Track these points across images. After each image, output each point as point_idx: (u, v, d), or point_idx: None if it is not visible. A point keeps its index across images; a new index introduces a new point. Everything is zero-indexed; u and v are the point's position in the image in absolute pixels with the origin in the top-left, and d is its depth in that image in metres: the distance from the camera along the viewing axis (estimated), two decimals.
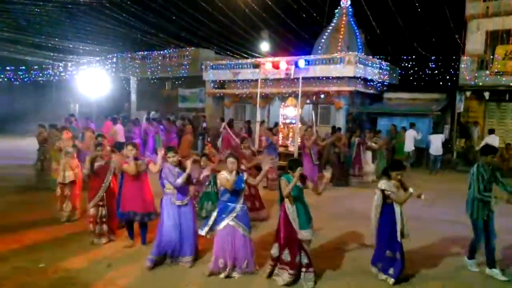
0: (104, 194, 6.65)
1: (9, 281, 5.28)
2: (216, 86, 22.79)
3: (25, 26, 22.74)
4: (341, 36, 21.06)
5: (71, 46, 25.88)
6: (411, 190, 5.23)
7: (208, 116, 21.57)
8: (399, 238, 5.25)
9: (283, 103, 14.71)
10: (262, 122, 16.16)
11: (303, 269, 5.23)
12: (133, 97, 27.36)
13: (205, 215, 7.33)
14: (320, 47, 21.55)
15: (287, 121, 13.76)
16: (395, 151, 16.28)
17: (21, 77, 31.17)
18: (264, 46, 27.30)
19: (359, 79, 18.56)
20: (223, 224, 5.42)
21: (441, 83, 20.06)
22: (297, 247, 5.20)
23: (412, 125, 15.34)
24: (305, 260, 5.22)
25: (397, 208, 5.28)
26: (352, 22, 21.56)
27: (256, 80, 16.26)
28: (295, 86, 16.57)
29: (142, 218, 6.35)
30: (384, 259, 5.42)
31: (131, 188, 6.30)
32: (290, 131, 13.58)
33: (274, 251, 5.33)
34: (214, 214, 5.56)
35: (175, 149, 6.15)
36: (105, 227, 6.66)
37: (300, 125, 13.51)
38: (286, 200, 5.21)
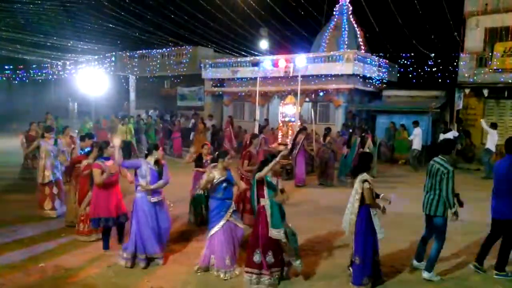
0: None
1: (9, 281, 5.27)
2: (215, 84, 22.76)
3: (23, 25, 22.70)
4: (340, 34, 21.03)
5: (69, 44, 25.83)
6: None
7: (206, 114, 21.56)
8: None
9: (282, 101, 14.71)
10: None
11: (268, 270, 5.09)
12: (132, 95, 27.32)
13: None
14: (319, 45, 21.53)
15: (286, 119, 13.76)
16: (394, 149, 16.33)
17: (20, 76, 31.15)
18: (263, 44, 27.25)
19: (358, 77, 18.56)
20: (223, 221, 5.46)
21: (440, 80, 20.09)
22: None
23: (415, 123, 14.99)
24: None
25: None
26: (351, 20, 21.53)
27: (255, 78, 16.25)
28: (294, 84, 16.57)
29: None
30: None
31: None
32: (289, 129, 13.58)
33: (257, 257, 5.10)
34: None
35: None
36: None
37: (299, 123, 13.55)
38: (265, 200, 5.14)
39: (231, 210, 5.52)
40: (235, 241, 5.54)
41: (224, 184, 5.49)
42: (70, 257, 6.06)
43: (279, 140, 13.80)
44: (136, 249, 5.67)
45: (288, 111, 13.78)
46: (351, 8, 21.76)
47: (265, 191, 5.14)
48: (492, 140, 13.54)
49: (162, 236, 5.85)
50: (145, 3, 20.70)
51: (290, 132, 13.51)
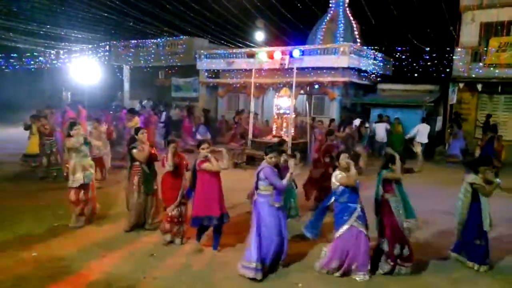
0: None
1: (5, 271, 5.27)
2: (210, 75, 22.68)
3: (16, 12, 22.41)
4: (335, 27, 21.00)
5: (63, 33, 25.56)
6: (498, 180, 5.57)
7: (201, 106, 21.51)
8: (486, 228, 5.60)
9: (277, 93, 14.70)
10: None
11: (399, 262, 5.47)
12: (126, 85, 27.17)
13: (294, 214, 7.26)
14: (314, 37, 21.48)
15: (281, 111, 13.75)
16: (389, 144, 16.25)
17: (13, 64, 30.78)
18: (259, 35, 27.15)
19: (353, 70, 18.57)
20: (346, 226, 5.33)
21: (434, 74, 20.14)
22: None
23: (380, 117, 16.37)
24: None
25: (484, 201, 5.60)
26: (347, 13, 21.49)
27: (251, 70, 16.21)
28: (289, 76, 16.55)
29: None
30: (472, 248, 5.72)
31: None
32: (284, 121, 13.60)
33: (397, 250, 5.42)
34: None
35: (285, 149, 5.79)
36: (183, 227, 6.31)
37: (294, 115, 13.55)
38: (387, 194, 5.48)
39: (356, 215, 5.31)
40: (361, 247, 5.30)
41: (349, 188, 5.33)
42: (63, 247, 6.06)
43: (273, 133, 13.83)
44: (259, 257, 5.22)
45: (283, 103, 13.76)
46: (347, 0, 21.72)
47: (394, 186, 5.51)
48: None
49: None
50: None
51: (284, 124, 13.55)
